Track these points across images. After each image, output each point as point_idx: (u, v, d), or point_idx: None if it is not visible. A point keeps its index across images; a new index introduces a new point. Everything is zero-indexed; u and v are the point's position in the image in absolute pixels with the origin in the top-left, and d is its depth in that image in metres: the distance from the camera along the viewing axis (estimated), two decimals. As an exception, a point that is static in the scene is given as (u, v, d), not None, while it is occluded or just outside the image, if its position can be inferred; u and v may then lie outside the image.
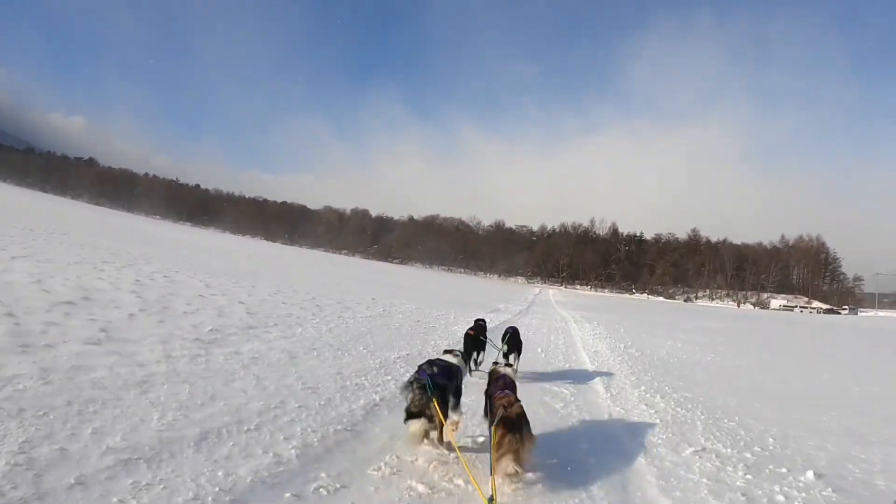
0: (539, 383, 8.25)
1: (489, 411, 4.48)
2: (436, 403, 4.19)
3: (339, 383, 6.58)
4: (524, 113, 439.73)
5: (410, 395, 4.32)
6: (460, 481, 4.00)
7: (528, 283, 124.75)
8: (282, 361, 7.16)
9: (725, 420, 6.96)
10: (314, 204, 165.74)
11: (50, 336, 6.16)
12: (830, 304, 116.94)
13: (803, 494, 4.55)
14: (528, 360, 9.65)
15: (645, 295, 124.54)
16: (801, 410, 8.17)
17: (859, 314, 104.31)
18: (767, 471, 5.06)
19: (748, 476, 4.86)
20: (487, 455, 3.94)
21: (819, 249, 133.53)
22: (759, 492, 4.54)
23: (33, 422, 3.99)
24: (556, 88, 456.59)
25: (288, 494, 3.63)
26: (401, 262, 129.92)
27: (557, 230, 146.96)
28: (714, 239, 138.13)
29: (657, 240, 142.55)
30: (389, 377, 7.30)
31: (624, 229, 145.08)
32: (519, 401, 4.21)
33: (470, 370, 6.96)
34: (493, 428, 3.96)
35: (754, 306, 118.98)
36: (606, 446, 5.44)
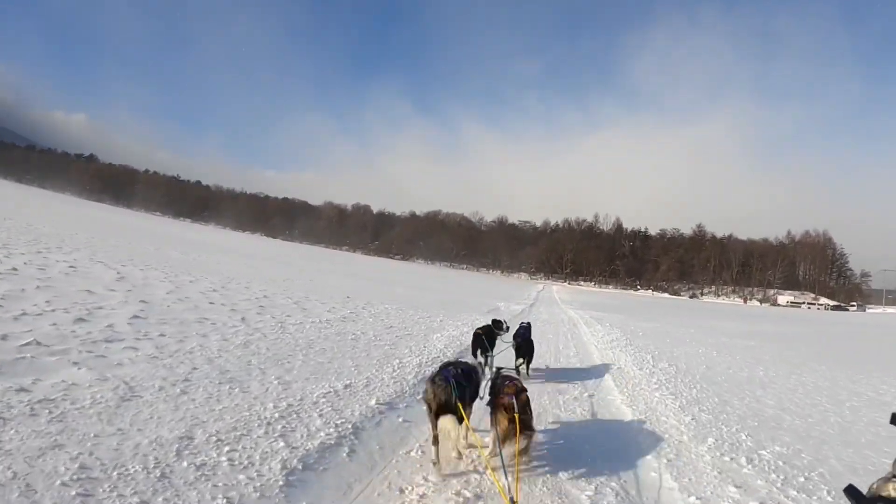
0: (552, 444, 5.10)
1: (492, 402, 4.31)
2: (459, 405, 3.96)
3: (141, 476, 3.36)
4: (527, 108, 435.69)
5: (433, 393, 4.00)
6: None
7: (532, 279, 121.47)
8: (88, 411, 4.03)
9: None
10: (317, 201, 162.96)
11: None
12: (838, 301, 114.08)
13: None
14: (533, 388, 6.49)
15: (650, 291, 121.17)
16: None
17: (867, 311, 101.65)
18: None
19: None
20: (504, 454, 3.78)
21: (826, 245, 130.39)
22: None
23: None
24: (560, 84, 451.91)
25: None
26: (402, 259, 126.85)
27: (561, 226, 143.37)
28: (719, 234, 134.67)
29: (662, 235, 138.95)
30: (282, 443, 4.09)
31: (628, 225, 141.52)
32: (526, 390, 4.17)
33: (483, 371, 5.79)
34: (497, 414, 3.94)
35: (761, 303, 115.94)
36: None
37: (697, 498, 3.98)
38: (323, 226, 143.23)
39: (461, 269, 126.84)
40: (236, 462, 3.59)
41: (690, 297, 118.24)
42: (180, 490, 3.12)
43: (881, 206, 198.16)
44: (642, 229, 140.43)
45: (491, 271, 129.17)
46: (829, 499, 4.11)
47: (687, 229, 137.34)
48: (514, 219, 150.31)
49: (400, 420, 5.25)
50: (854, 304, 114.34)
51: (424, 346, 9.28)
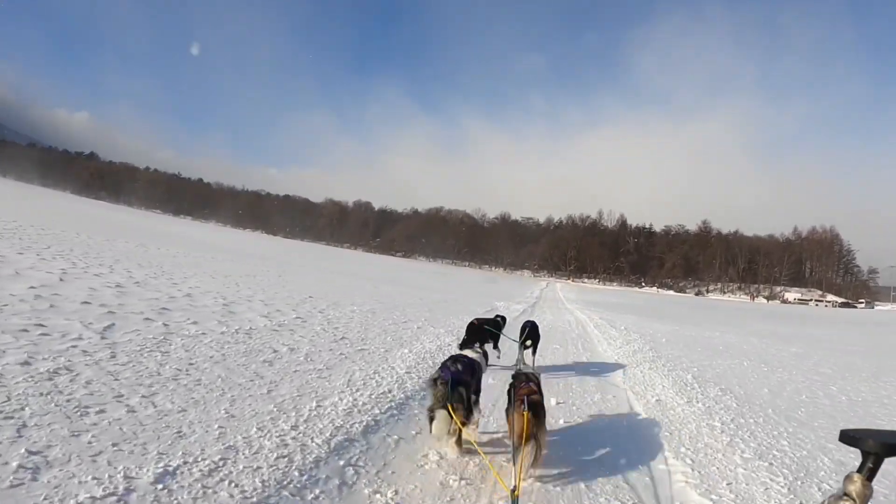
0: None
1: (510, 401, 4.20)
2: (451, 405, 3.84)
3: None
4: (530, 105, 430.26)
5: (434, 392, 3.95)
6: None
7: (535, 276, 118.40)
8: None
9: None
10: (319, 198, 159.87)
11: None
12: (845, 298, 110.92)
13: None
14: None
15: (654, 288, 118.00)
16: None
17: (875, 308, 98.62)
18: None
19: None
20: (506, 449, 3.89)
21: (833, 241, 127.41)
22: None
23: None
24: (563, 80, 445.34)
25: None
26: (404, 256, 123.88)
27: (564, 222, 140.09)
28: (725, 231, 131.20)
29: (667, 232, 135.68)
30: None
31: (633, 221, 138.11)
32: (539, 391, 4.10)
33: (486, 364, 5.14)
34: (513, 414, 3.84)
35: (768, 300, 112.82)
36: None
37: None
38: (324, 223, 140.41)
39: (463, 266, 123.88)
40: None
41: (696, 295, 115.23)
42: None
43: (888, 202, 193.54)
44: (647, 226, 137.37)
45: (494, 269, 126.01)
46: None
47: (692, 226, 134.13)
48: (517, 215, 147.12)
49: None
50: (862, 301, 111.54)
51: (375, 372, 6.31)
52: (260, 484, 3.11)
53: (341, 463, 3.67)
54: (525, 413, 3.61)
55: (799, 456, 4.80)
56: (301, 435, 3.96)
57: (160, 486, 2.88)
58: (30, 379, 4.09)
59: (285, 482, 3.21)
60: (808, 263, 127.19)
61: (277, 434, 3.89)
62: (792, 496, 3.80)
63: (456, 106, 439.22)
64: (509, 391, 4.37)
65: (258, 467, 3.31)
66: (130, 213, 73.65)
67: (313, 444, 3.84)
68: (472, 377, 4.22)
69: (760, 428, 5.65)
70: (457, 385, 3.92)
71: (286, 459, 3.49)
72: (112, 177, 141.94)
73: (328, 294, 14.26)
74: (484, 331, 7.74)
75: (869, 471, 1.52)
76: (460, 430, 3.90)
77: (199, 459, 3.27)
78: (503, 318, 8.79)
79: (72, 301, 7.00)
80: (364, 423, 4.43)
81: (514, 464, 3.32)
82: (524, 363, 6.35)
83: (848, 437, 1.60)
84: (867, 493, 1.51)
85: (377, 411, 4.80)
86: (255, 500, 2.94)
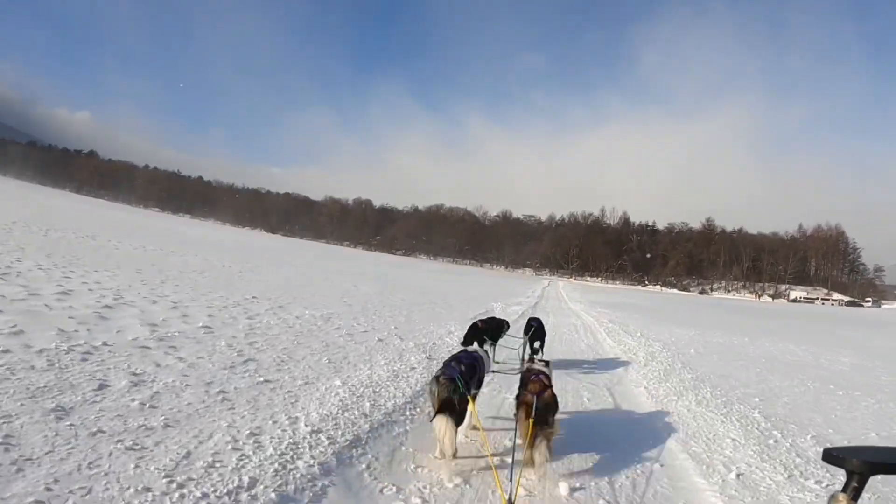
0: None
1: (519, 396, 3.94)
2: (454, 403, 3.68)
3: None
4: (532, 102, 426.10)
5: (437, 390, 3.75)
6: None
7: (537, 274, 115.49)
8: None
9: None
10: (320, 196, 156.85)
11: None
12: (851, 296, 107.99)
13: None
14: None
15: (658, 287, 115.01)
16: None
17: (882, 307, 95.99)
18: None
19: None
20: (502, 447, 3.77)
21: (838, 239, 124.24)
22: None
23: None
24: (565, 77, 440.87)
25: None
26: (405, 254, 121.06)
27: (567, 220, 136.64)
28: (729, 229, 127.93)
29: (670, 230, 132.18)
30: None
31: (636, 219, 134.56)
32: (551, 387, 3.87)
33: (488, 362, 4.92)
34: (519, 412, 3.70)
35: (773, 298, 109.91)
36: None
37: None
38: (324, 221, 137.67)
39: (464, 264, 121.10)
40: None
41: (700, 293, 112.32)
42: None
43: (894, 199, 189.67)
44: (650, 223, 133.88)
45: (495, 267, 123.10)
46: None
47: (696, 223, 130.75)
48: (518, 213, 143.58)
49: None
50: (869, 299, 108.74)
51: (252, 434, 3.59)
52: None
53: None
54: (530, 421, 3.44)
55: None
56: None
57: None
58: None
59: None
60: (812, 261, 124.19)
61: None
62: None
63: (457, 104, 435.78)
64: (521, 381, 4.15)
65: None
66: (120, 209, 71.13)
67: None
68: (473, 373, 4.09)
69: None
70: (459, 383, 3.75)
71: None
72: (111, 175, 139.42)
73: (285, 294, 11.58)
74: (484, 333, 7.30)
75: (854, 490, 1.46)
76: (454, 435, 3.65)
77: None
78: (507, 324, 8.24)
79: None
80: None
81: (512, 476, 3.12)
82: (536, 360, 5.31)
83: (831, 457, 1.53)
84: None
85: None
86: None
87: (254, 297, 10.08)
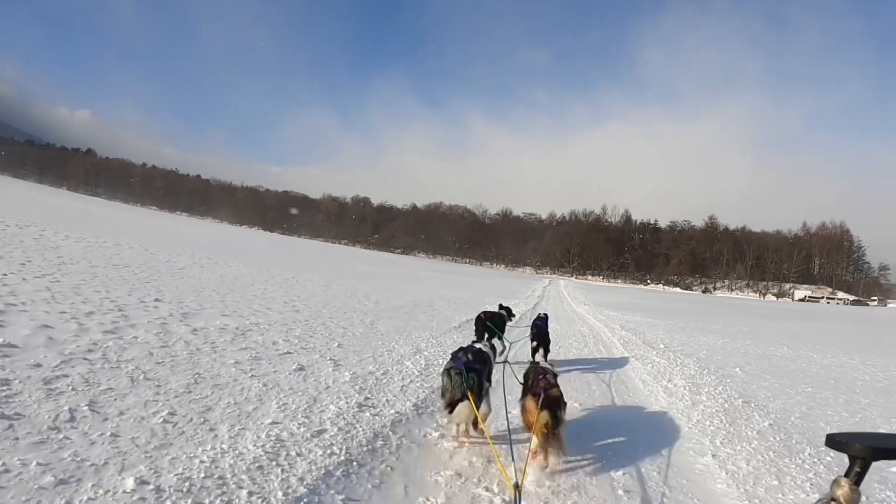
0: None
1: (524, 393, 3.99)
2: (471, 395, 3.67)
3: None
4: (533, 99, 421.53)
5: (448, 383, 3.76)
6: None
7: (537, 273, 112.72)
8: None
9: None
10: (318, 195, 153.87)
11: None
12: (856, 295, 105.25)
13: None
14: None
15: (660, 285, 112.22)
16: None
17: (888, 305, 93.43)
18: None
19: None
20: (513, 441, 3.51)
21: (843, 237, 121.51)
22: None
23: None
24: (567, 74, 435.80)
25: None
26: (403, 253, 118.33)
27: (567, 218, 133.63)
28: (732, 227, 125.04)
29: (672, 227, 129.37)
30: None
31: (637, 217, 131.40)
32: (557, 385, 3.78)
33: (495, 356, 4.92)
34: (525, 409, 3.75)
35: (777, 297, 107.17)
36: None
37: None
38: (322, 219, 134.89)
39: (463, 263, 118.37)
40: None
41: (703, 292, 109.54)
42: None
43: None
44: (652, 221, 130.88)
45: (494, 265, 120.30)
46: None
47: (698, 221, 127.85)
48: (518, 211, 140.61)
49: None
50: (875, 298, 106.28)
51: None
52: None
53: None
54: (540, 412, 3.41)
55: None
56: None
57: None
58: None
59: None
60: (817, 260, 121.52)
61: None
62: None
63: (458, 101, 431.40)
64: (524, 382, 4.11)
65: None
66: (108, 205, 68.48)
67: None
68: (483, 366, 4.02)
69: None
70: (470, 373, 3.74)
71: None
72: (107, 173, 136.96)
73: (211, 297, 8.93)
74: (489, 325, 7.23)
75: (856, 475, 1.45)
76: (476, 417, 3.66)
77: None
78: (508, 310, 8.26)
79: None
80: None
81: (522, 458, 3.25)
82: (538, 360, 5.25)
83: (834, 442, 1.52)
84: (855, 498, 1.44)
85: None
86: None
87: (156, 301, 7.42)
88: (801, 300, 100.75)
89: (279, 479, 2.88)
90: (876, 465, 1.45)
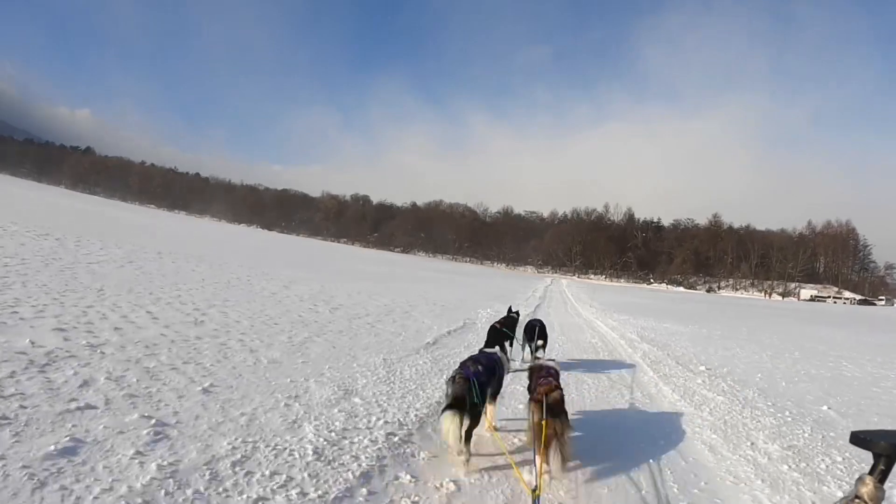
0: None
1: (530, 397, 3.84)
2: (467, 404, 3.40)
3: None
4: (534, 97, 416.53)
5: (451, 390, 3.49)
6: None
7: (539, 272, 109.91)
8: None
9: None
10: (318, 193, 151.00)
11: None
12: (863, 295, 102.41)
13: None
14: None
15: (664, 285, 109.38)
16: None
17: (895, 305, 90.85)
18: None
19: None
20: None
21: (848, 236, 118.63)
22: None
23: None
24: (569, 73, 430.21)
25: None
26: (403, 252, 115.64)
27: (569, 216, 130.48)
28: (736, 225, 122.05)
29: (676, 226, 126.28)
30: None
31: (640, 215, 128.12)
32: (560, 388, 3.70)
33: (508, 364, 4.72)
34: (532, 412, 3.58)
35: (782, 297, 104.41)
36: None
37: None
38: (321, 218, 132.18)
39: (464, 262, 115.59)
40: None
41: (707, 292, 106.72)
42: None
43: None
44: (655, 220, 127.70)
45: (495, 265, 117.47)
46: None
47: (702, 220, 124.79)
48: (519, 209, 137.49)
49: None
50: (882, 298, 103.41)
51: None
52: None
53: None
54: (545, 421, 3.32)
55: None
56: None
57: None
58: None
59: None
60: (822, 259, 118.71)
61: None
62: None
63: (459, 100, 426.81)
64: (529, 386, 4.06)
65: None
66: (99, 202, 65.95)
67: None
68: (492, 374, 3.83)
69: None
70: (474, 384, 3.50)
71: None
72: (106, 171, 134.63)
73: (110, 297, 6.30)
74: (503, 334, 6.73)
75: (881, 473, 1.43)
76: (469, 432, 3.42)
77: None
78: (517, 314, 7.73)
79: None
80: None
81: (536, 464, 3.13)
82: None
83: (858, 439, 1.49)
84: (879, 496, 1.42)
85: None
86: None
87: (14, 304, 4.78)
88: (811, 300, 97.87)
89: None
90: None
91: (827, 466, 3.88)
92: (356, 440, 3.49)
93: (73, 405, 3.28)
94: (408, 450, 3.52)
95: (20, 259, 8.82)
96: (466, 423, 3.28)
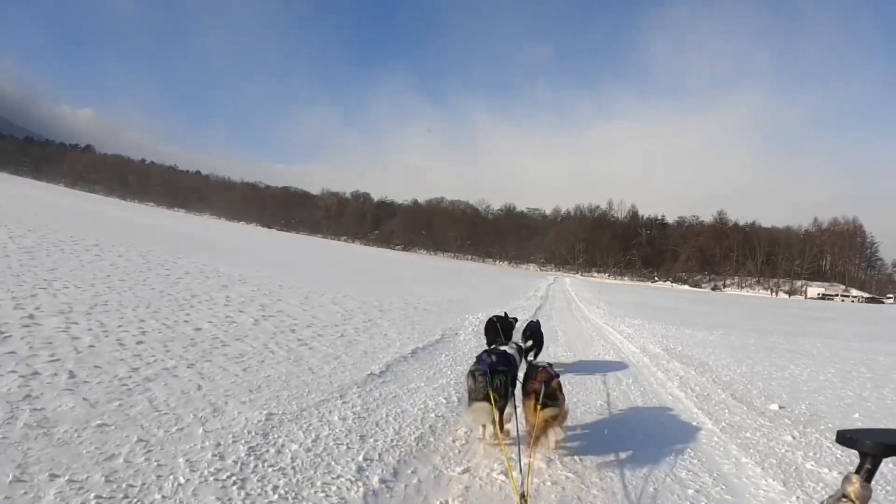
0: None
1: (524, 387, 3.85)
2: (493, 396, 3.55)
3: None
4: (537, 94, 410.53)
5: (473, 383, 3.66)
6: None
7: (541, 270, 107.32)
8: None
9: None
10: (318, 190, 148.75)
11: None
12: (871, 293, 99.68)
13: None
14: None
15: (668, 283, 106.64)
16: None
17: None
18: None
19: None
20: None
21: (855, 233, 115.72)
22: None
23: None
24: (572, 69, 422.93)
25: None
26: (404, 249, 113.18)
27: (572, 214, 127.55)
28: (742, 222, 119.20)
29: (680, 223, 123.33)
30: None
31: (644, 212, 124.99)
32: (558, 376, 3.74)
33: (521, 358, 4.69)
34: (526, 403, 3.63)
35: (789, 295, 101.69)
36: None
37: None
38: (321, 215, 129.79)
39: (466, 259, 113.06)
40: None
41: (713, 290, 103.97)
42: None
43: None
44: (659, 217, 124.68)
45: (497, 263, 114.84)
46: None
47: (707, 217, 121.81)
48: (522, 207, 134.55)
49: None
50: (891, 296, 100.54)
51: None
52: None
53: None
54: (539, 410, 3.35)
55: None
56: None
57: None
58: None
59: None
60: (828, 256, 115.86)
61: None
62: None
63: (461, 97, 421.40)
64: (522, 385, 3.98)
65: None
66: (93, 200, 63.68)
67: None
68: (508, 368, 3.91)
69: None
70: (495, 375, 3.65)
71: None
72: (105, 170, 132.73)
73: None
74: (501, 330, 6.60)
75: (867, 472, 1.41)
76: (501, 419, 3.59)
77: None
78: (515, 319, 7.45)
79: None
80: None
81: (523, 468, 3.03)
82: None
83: (845, 439, 1.48)
84: (866, 495, 1.41)
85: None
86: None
87: None
88: (820, 298, 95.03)
89: None
90: None
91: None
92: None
93: None
94: None
95: None
96: (495, 411, 3.37)
